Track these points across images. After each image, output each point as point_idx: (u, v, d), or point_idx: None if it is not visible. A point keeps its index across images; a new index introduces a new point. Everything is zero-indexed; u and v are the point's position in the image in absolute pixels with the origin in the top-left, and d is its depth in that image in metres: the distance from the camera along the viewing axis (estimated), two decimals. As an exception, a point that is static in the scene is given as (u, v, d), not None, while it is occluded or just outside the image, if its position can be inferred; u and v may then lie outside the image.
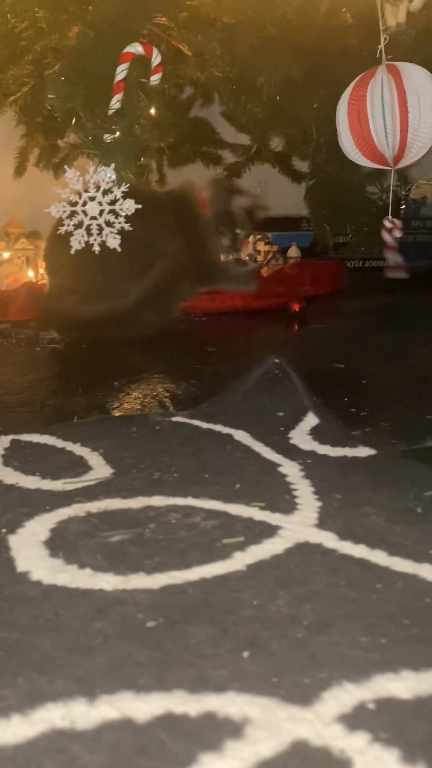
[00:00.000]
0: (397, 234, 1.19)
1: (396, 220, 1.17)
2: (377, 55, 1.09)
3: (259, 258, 1.85)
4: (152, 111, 1.15)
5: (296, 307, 1.41)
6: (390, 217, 1.18)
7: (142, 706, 0.35)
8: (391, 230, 1.18)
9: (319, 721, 0.34)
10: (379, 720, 0.34)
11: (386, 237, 1.19)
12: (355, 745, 0.32)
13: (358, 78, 1.09)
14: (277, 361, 0.94)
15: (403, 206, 2.01)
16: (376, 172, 1.15)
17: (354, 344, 1.23)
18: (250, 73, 1.16)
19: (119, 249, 1.10)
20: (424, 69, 1.07)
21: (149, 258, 1.29)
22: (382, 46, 1.08)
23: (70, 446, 0.71)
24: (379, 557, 0.49)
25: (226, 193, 1.46)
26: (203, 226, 1.43)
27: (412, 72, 1.06)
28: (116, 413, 0.83)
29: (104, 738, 0.33)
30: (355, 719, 0.34)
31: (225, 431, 0.75)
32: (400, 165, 1.10)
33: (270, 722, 0.34)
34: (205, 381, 0.95)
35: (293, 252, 1.92)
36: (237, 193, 1.48)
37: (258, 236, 1.87)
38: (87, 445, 0.71)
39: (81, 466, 0.66)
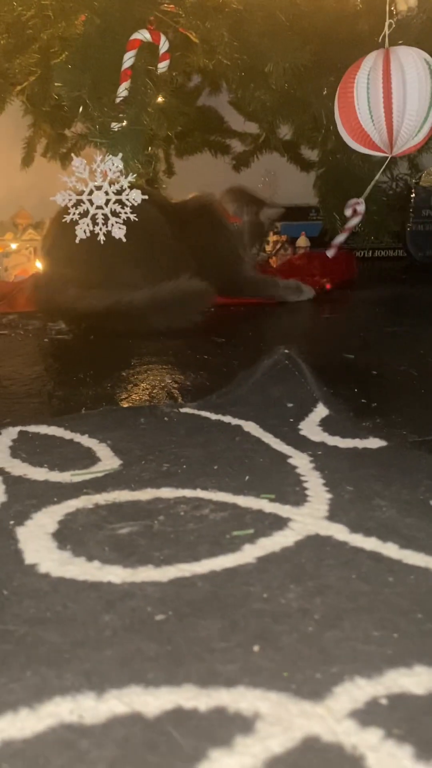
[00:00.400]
0: (357, 220, 1.16)
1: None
2: (379, 40, 1.07)
3: (268, 248, 1.83)
4: (160, 99, 1.14)
5: (328, 286, 1.40)
6: (361, 200, 1.15)
7: (152, 701, 0.34)
8: (354, 215, 1.16)
9: (331, 717, 0.33)
10: (392, 716, 0.33)
11: (352, 220, 1.16)
12: (368, 741, 0.32)
13: (354, 63, 1.07)
14: (286, 351, 0.93)
15: (413, 195, 1.98)
16: (385, 160, 1.13)
17: (364, 335, 1.22)
18: (259, 60, 1.14)
19: (124, 239, 1.10)
20: (420, 51, 1.02)
21: (169, 263, 1.29)
22: (386, 31, 1.06)
23: (78, 437, 0.70)
24: (391, 550, 0.48)
25: (252, 205, 1.47)
26: (234, 238, 1.44)
27: (402, 55, 1.02)
28: (124, 404, 0.82)
29: (113, 733, 0.32)
30: (368, 715, 0.33)
31: (234, 422, 0.74)
32: (396, 151, 1.07)
33: (281, 717, 0.33)
34: (214, 372, 0.95)
35: (302, 242, 1.91)
36: (260, 204, 1.48)
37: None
38: (95, 437, 0.70)
39: (89, 458, 0.65)
